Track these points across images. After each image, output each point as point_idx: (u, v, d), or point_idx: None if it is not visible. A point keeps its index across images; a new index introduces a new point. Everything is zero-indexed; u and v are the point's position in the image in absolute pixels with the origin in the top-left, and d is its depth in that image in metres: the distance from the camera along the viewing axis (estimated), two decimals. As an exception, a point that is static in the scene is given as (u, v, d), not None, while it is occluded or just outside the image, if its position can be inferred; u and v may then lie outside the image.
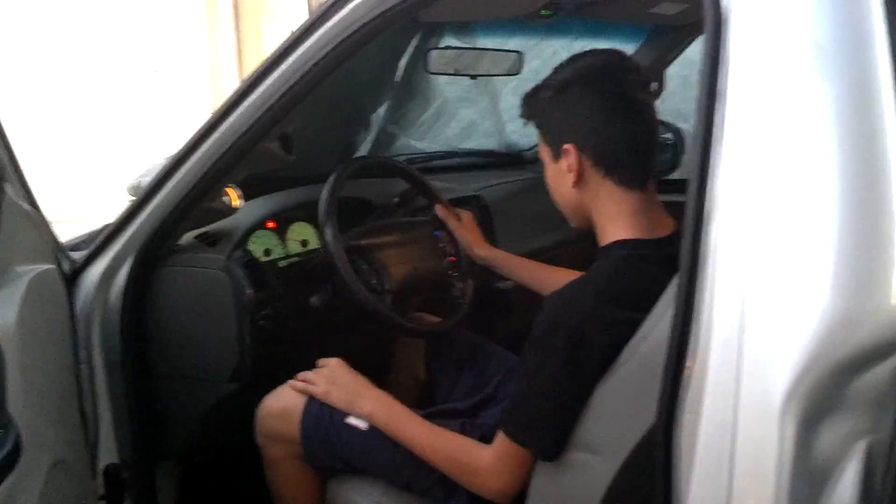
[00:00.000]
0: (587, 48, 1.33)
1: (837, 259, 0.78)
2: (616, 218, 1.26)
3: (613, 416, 1.11)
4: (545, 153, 1.32)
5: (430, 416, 1.46)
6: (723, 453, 0.83)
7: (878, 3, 0.81)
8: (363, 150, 2.34)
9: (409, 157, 2.45)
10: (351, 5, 1.28)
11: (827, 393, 0.78)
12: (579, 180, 1.25)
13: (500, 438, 1.25)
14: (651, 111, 1.27)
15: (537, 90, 1.31)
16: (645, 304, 1.07)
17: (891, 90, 0.79)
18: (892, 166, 0.78)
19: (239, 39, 7.66)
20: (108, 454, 1.59)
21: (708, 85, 0.89)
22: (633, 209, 1.25)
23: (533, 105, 1.32)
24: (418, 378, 1.86)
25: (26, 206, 1.33)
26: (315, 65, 1.33)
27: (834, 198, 0.79)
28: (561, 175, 1.28)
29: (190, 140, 1.46)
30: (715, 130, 0.87)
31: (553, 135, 1.28)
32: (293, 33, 1.35)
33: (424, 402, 1.80)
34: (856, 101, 0.80)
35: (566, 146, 1.24)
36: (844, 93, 0.81)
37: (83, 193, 5.77)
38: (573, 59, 1.28)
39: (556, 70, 1.29)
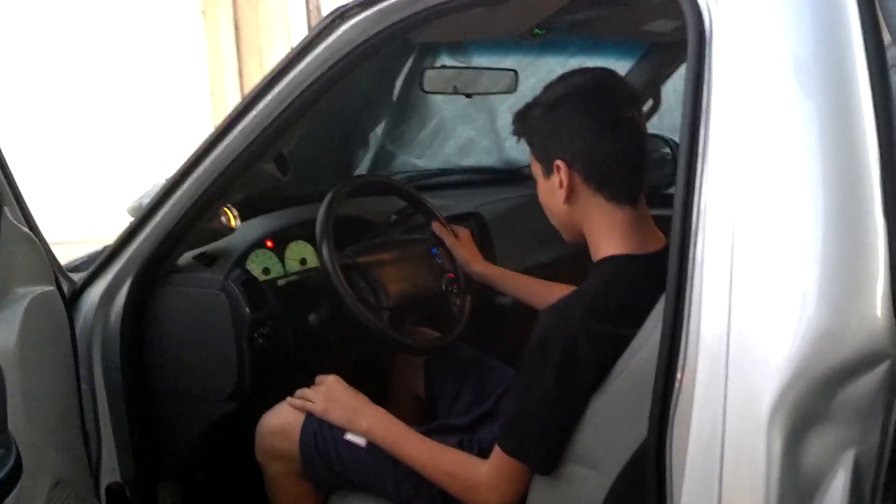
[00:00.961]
0: (583, 66, 1.35)
1: (822, 271, 0.79)
2: (607, 233, 1.27)
3: (607, 430, 1.12)
4: (537, 169, 1.33)
5: (429, 433, 1.47)
6: (712, 465, 0.84)
7: (856, 20, 0.82)
8: (362, 168, 2.36)
9: (408, 174, 2.47)
10: (345, 26, 1.30)
11: (814, 404, 0.79)
12: (570, 196, 1.27)
13: (497, 453, 1.26)
14: (641, 128, 1.29)
15: (528, 108, 1.33)
16: (636, 319, 1.09)
17: (869, 104, 0.80)
18: (873, 178, 0.79)
19: (240, 60, 7.70)
20: (110, 473, 1.60)
21: (692, 101, 0.90)
22: (624, 224, 1.27)
23: (524, 122, 1.33)
24: (417, 394, 1.87)
25: (25, 228, 1.34)
26: (308, 87, 1.35)
27: (817, 210, 0.80)
28: (552, 191, 1.29)
29: (187, 162, 1.48)
30: (699, 145, 0.89)
31: (544, 151, 1.29)
32: (287, 56, 1.36)
33: (424, 417, 1.81)
34: (836, 115, 0.82)
35: (557, 162, 1.26)
36: (825, 107, 0.82)
37: (84, 215, 5.78)
38: (563, 77, 1.30)
39: (547, 88, 1.31)
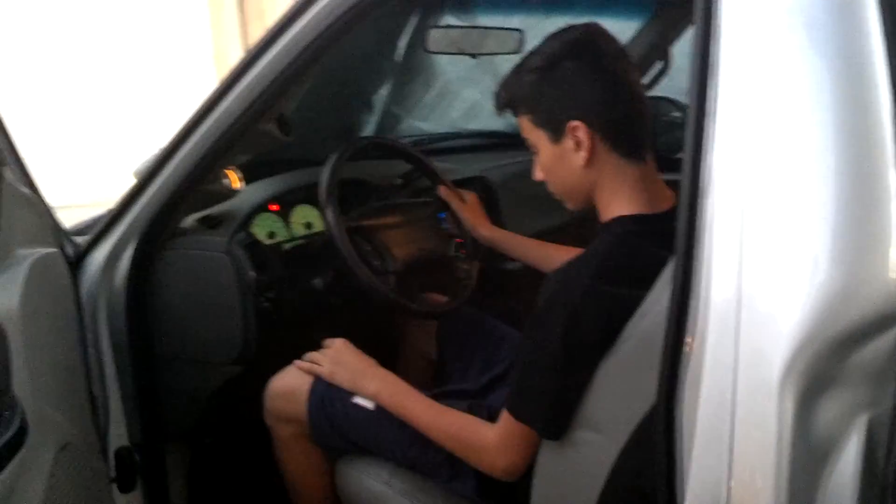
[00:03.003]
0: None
1: (834, 232, 0.77)
2: (619, 192, 1.25)
3: (616, 394, 1.11)
4: (540, 137, 1.28)
5: (438, 397, 1.46)
6: (723, 429, 0.83)
7: (870, -26, 0.79)
8: (368, 131, 2.33)
9: (414, 138, 2.44)
10: (347, -18, 1.27)
11: (826, 367, 0.77)
12: (590, 157, 1.23)
13: (505, 416, 1.25)
14: (637, 79, 1.26)
15: (521, 73, 1.27)
16: (644, 281, 1.07)
17: (884, 61, 0.77)
18: (886, 137, 0.77)
19: (243, 22, 7.64)
20: (118, 437, 1.61)
21: (700, 58, 0.88)
22: (635, 182, 1.24)
23: (517, 89, 1.28)
24: (429, 357, 1.86)
25: (26, 189, 1.33)
26: (309, 44, 1.31)
27: (829, 170, 0.78)
28: (564, 156, 1.25)
29: (187, 123, 1.46)
30: (708, 104, 0.86)
31: (551, 115, 1.24)
32: (287, 12, 1.33)
33: (435, 381, 1.80)
34: (849, 73, 0.79)
35: (573, 124, 1.21)
36: (837, 64, 0.80)
37: (90, 178, 5.78)
38: (553, 37, 1.26)
39: (536, 52, 1.26)
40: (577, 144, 1.22)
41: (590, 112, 1.21)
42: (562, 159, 1.26)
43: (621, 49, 1.26)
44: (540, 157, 1.30)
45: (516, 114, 1.31)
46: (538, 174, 1.33)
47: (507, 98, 1.31)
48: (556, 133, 1.25)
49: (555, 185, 1.32)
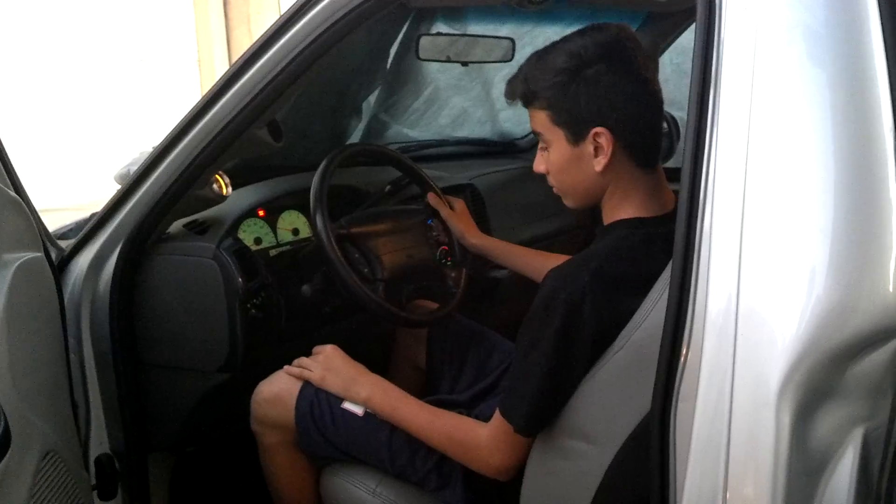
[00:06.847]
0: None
1: (832, 245, 0.77)
2: (629, 198, 1.24)
3: (608, 405, 1.11)
4: (557, 135, 1.23)
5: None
6: (719, 442, 0.83)
7: (872, -13, 0.80)
8: (355, 137, 2.32)
9: (402, 145, 2.43)
10: (339, -10, 1.27)
11: (823, 380, 0.78)
12: (608, 165, 1.20)
13: (497, 414, 1.25)
14: (659, 87, 1.24)
15: (547, 68, 1.20)
16: (641, 286, 1.07)
17: (884, 75, 0.78)
18: (886, 151, 0.77)
19: (228, 27, 7.61)
20: (99, 444, 1.59)
21: (700, 70, 0.88)
22: (646, 189, 1.24)
23: (541, 84, 1.21)
24: (418, 366, 1.85)
25: (12, 193, 1.31)
26: (303, 51, 1.31)
27: (828, 183, 0.78)
28: (582, 159, 1.22)
29: (177, 127, 1.45)
30: (708, 116, 0.86)
31: (576, 117, 1.20)
32: (280, 18, 1.33)
33: (425, 390, 1.79)
34: (849, 86, 0.79)
35: (598, 130, 1.18)
36: (838, 78, 0.80)
37: (71, 182, 5.73)
38: (581, 34, 1.21)
39: (563, 48, 1.20)
40: (597, 150, 1.20)
41: (616, 120, 1.18)
42: (577, 161, 1.22)
43: (648, 54, 1.23)
44: (551, 153, 1.25)
45: (529, 105, 1.25)
46: (540, 167, 1.29)
47: (527, 90, 1.24)
48: (577, 136, 1.21)
49: (561, 182, 1.28)
